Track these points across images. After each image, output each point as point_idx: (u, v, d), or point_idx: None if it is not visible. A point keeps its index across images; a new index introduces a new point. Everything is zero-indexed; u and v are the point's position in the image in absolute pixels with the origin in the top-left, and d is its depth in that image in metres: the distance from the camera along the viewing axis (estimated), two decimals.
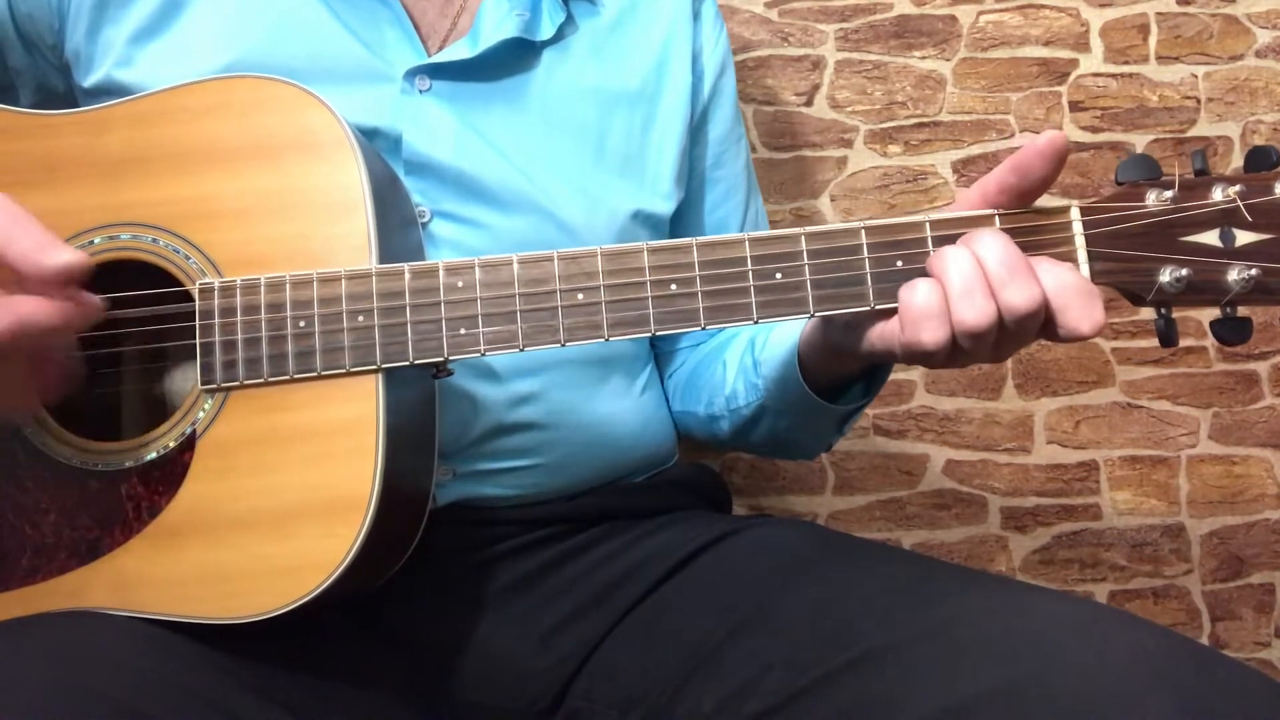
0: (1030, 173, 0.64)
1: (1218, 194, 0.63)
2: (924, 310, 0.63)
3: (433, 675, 0.80)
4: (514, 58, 0.84)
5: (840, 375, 0.79)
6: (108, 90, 0.79)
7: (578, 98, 0.87)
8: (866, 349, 0.69)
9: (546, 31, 0.85)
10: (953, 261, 0.63)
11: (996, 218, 0.66)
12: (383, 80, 0.81)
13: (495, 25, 0.83)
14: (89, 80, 0.81)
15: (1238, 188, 0.63)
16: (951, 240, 0.65)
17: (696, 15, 0.95)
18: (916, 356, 0.66)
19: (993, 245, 0.63)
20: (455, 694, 0.81)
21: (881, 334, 0.68)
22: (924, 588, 0.69)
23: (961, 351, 0.64)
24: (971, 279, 0.62)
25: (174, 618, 0.65)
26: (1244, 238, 0.63)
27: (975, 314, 0.62)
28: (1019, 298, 0.62)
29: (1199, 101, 1.25)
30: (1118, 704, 0.54)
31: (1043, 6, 1.25)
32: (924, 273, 0.65)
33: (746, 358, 0.88)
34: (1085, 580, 1.28)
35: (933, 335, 0.63)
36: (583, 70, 0.87)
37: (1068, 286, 0.63)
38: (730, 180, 0.99)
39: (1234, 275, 0.63)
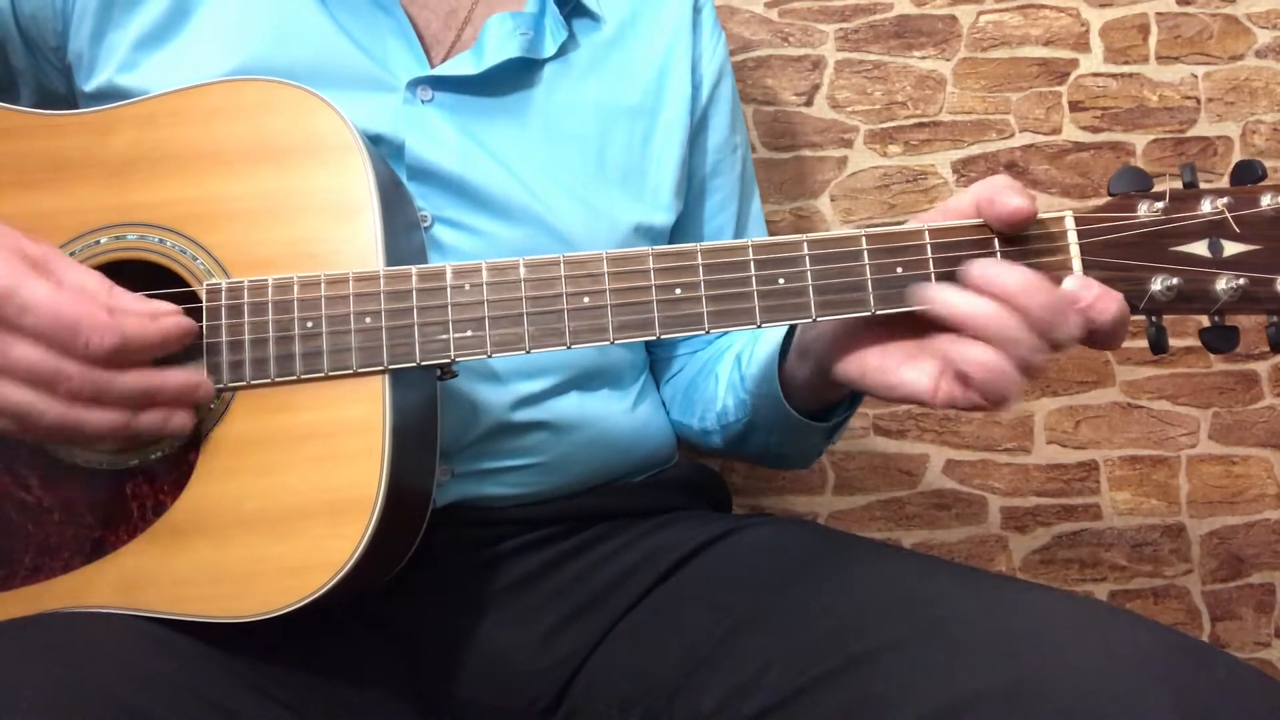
0: (994, 217, 0.65)
1: (1206, 206, 0.64)
2: (1003, 386, 0.62)
3: (433, 675, 0.81)
4: (516, 74, 0.85)
5: (828, 400, 0.80)
6: (109, 94, 0.79)
7: (579, 111, 0.87)
8: (880, 395, 0.69)
9: (549, 49, 0.86)
10: (1001, 326, 0.62)
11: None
12: (385, 89, 0.81)
13: (499, 43, 0.83)
14: (91, 84, 0.81)
15: (1226, 200, 0.64)
16: (951, 248, 0.66)
17: (696, 25, 0.95)
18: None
19: (1035, 292, 0.62)
20: (455, 694, 0.81)
21: (913, 388, 0.66)
22: (924, 586, 0.70)
23: None
24: (1028, 346, 0.62)
25: (178, 617, 0.65)
26: (1231, 248, 0.64)
27: (1035, 365, 0.62)
28: (1066, 335, 0.62)
29: (1199, 101, 1.26)
30: (1117, 702, 0.55)
31: (1043, 6, 1.25)
32: (926, 277, 0.65)
33: (734, 374, 0.89)
34: (1085, 580, 1.28)
35: (1005, 396, 0.63)
36: (584, 85, 0.88)
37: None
38: (728, 188, 0.99)
39: (1222, 285, 0.64)
